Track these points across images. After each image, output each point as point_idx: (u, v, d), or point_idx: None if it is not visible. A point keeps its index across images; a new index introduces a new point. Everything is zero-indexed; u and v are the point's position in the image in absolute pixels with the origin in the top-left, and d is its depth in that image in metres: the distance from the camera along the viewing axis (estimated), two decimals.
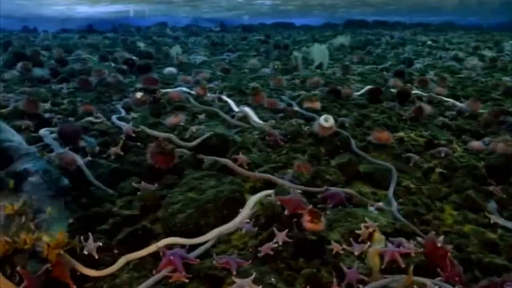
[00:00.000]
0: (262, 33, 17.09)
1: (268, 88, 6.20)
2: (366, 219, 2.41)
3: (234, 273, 2.07)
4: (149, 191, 2.75)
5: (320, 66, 8.44)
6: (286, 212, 2.39)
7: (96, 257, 2.13)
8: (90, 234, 2.22)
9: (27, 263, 1.89)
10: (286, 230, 2.25)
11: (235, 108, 4.75)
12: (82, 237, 2.18)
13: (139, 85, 5.53)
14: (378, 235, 2.33)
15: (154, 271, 2.03)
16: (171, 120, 4.15)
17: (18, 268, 1.83)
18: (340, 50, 11.46)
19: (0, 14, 20.74)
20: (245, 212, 2.51)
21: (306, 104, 4.79)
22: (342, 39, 12.43)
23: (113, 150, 3.24)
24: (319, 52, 8.77)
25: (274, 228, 2.27)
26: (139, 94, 4.97)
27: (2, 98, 4.92)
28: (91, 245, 2.15)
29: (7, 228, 2.01)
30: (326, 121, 3.75)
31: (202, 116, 4.44)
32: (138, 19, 23.90)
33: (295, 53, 9.17)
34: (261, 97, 5.01)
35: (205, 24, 22.99)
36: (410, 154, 3.55)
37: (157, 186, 2.83)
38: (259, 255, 2.15)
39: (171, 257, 2.03)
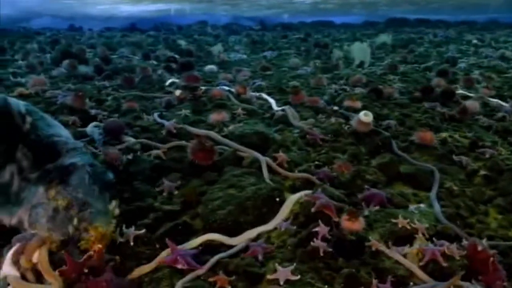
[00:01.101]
0: (302, 31, 16.98)
1: (308, 86, 6.16)
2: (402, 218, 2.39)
3: (260, 258, 2.17)
4: (189, 188, 2.80)
5: (361, 65, 8.33)
6: (312, 209, 2.41)
7: (132, 243, 2.23)
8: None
9: (72, 254, 1.95)
10: (327, 229, 2.25)
11: (275, 107, 4.76)
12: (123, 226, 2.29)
13: (181, 83, 5.60)
14: (420, 236, 2.30)
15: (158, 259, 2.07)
16: (214, 117, 4.20)
17: (63, 251, 1.90)
18: (381, 48, 11.27)
19: (49, 13, 21.48)
20: (284, 212, 2.52)
21: (347, 103, 4.74)
22: (385, 38, 12.21)
23: (155, 152, 3.28)
24: (360, 50, 8.66)
25: (317, 229, 2.28)
26: (178, 92, 5.07)
27: (50, 94, 5.10)
28: (130, 233, 2.26)
29: (54, 220, 2.08)
30: (366, 115, 3.73)
31: (239, 111, 4.45)
32: (179, 18, 24.17)
33: (336, 52, 9.09)
34: (301, 96, 4.99)
35: (245, 23, 23.05)
36: (454, 156, 3.48)
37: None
38: (305, 250, 2.17)
39: (178, 257, 2.06)
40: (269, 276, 2.02)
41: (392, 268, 2.10)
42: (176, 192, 2.80)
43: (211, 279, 1.98)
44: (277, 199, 2.63)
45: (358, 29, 19.19)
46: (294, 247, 2.23)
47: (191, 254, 2.12)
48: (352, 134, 3.81)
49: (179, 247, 2.18)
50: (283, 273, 2.00)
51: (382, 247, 2.20)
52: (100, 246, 1.96)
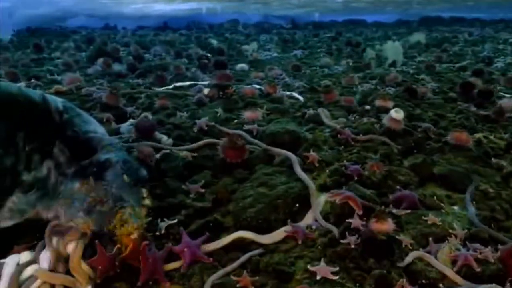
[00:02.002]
0: (333, 30, 16.87)
1: (340, 85, 6.12)
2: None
3: (300, 242, 2.24)
4: (221, 185, 2.82)
5: (393, 64, 8.22)
6: (337, 201, 2.47)
7: (163, 231, 2.31)
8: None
9: (106, 247, 1.99)
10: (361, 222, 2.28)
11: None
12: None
13: (212, 81, 5.64)
14: (453, 239, 2.26)
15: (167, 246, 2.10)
16: (248, 114, 4.21)
17: (96, 241, 1.94)
18: (414, 48, 11.08)
19: (84, 13, 21.94)
20: (315, 211, 2.51)
21: (379, 103, 4.69)
22: (419, 36, 12.00)
23: (185, 153, 3.31)
24: (392, 49, 8.54)
25: (350, 220, 2.31)
26: (206, 90, 5.13)
27: (85, 92, 5.22)
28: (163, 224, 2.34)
29: (89, 214, 2.13)
30: (397, 112, 3.69)
31: (262, 110, 4.46)
32: (210, 16, 24.32)
33: (368, 51, 8.99)
34: (333, 95, 4.96)
35: (276, 21, 23.01)
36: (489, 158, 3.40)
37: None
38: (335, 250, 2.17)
39: (185, 249, 2.09)
40: (310, 267, 2.03)
41: (424, 270, 2.07)
42: (203, 190, 2.81)
43: (234, 278, 1.99)
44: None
45: (391, 28, 18.93)
46: (324, 247, 2.22)
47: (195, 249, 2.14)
48: (384, 134, 3.77)
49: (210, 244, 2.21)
50: (324, 270, 2.00)
51: (420, 253, 2.17)
52: (132, 240, 1.99)
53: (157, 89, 5.70)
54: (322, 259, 2.06)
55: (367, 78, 6.79)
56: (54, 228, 1.90)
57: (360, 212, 2.42)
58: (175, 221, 2.40)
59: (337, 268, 2.03)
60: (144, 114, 4.00)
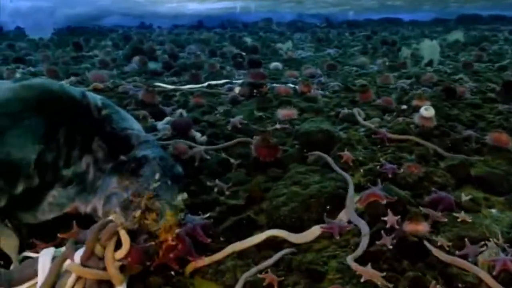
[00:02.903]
0: (369, 28, 16.69)
1: (375, 85, 6.05)
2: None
3: (338, 237, 2.27)
4: (254, 183, 2.84)
5: (430, 63, 8.07)
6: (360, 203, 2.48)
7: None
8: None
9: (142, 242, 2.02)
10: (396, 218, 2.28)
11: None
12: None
13: (245, 80, 5.67)
14: (490, 244, 2.21)
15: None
16: (283, 112, 4.22)
17: (124, 235, 1.97)
18: (452, 47, 10.84)
19: (120, 12, 22.36)
20: (348, 212, 2.50)
21: (415, 102, 4.61)
22: (457, 35, 11.73)
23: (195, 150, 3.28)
24: (429, 48, 8.37)
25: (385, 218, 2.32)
26: (237, 89, 5.16)
27: (122, 89, 5.33)
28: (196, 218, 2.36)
29: (126, 209, 2.18)
30: (427, 110, 3.66)
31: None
32: (244, 15, 24.41)
33: (404, 50, 8.85)
34: (369, 94, 4.91)
35: (310, 20, 22.93)
36: None
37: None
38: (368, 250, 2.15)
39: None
40: (355, 267, 2.00)
41: (460, 274, 2.02)
42: (228, 191, 2.84)
43: (261, 276, 1.99)
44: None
45: (427, 27, 18.59)
46: (357, 247, 2.21)
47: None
48: (420, 134, 3.71)
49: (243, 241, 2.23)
50: (369, 272, 1.98)
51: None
52: (167, 236, 2.02)
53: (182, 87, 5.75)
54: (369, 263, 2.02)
55: (403, 77, 6.69)
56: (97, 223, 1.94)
57: (384, 202, 2.43)
58: (207, 215, 2.43)
59: (384, 274, 1.99)
60: (179, 111, 4.05)
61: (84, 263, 1.83)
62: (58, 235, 2.05)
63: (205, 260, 2.10)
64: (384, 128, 3.84)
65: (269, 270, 2.02)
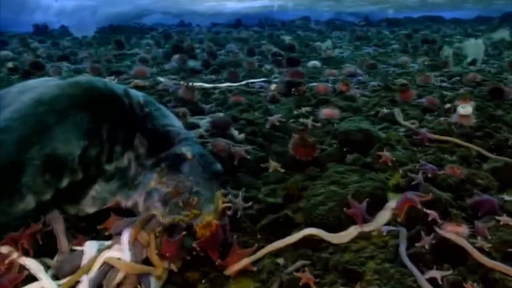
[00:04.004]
0: (409, 27, 16.37)
1: (415, 84, 5.94)
2: None
3: (359, 224, 2.30)
4: (292, 182, 2.84)
5: (473, 62, 7.85)
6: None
7: (241, 214, 2.40)
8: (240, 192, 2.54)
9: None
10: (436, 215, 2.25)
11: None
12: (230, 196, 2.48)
13: (283, 78, 5.67)
14: None
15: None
16: (325, 112, 4.20)
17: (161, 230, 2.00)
18: (495, 46, 10.51)
19: (160, 10, 22.73)
20: (386, 215, 2.46)
21: (458, 102, 4.50)
22: (503, 34, 11.35)
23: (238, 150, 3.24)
24: (473, 47, 8.15)
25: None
26: (273, 86, 5.17)
27: (162, 86, 5.42)
28: (239, 204, 2.44)
29: (166, 205, 2.22)
30: (464, 108, 3.64)
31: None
32: (281, 13, 24.35)
33: (446, 48, 8.65)
34: (410, 94, 4.83)
35: (348, 18, 22.69)
36: None
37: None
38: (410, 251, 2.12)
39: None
40: (430, 272, 1.97)
41: (503, 279, 1.97)
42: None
43: (297, 274, 1.99)
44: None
45: (470, 25, 18.07)
46: (396, 248, 2.18)
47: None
48: (463, 135, 3.63)
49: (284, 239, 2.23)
50: (436, 273, 1.96)
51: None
52: (205, 232, 2.05)
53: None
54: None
55: (445, 77, 6.54)
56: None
57: (418, 206, 2.37)
58: (248, 205, 2.51)
59: (450, 271, 1.97)
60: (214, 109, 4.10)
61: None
62: (98, 227, 2.11)
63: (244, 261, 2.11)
64: (425, 128, 3.77)
65: (306, 269, 2.02)
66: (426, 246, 2.13)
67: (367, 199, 2.47)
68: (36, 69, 6.92)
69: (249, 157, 3.10)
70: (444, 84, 5.80)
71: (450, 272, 1.96)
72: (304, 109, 4.53)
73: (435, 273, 1.95)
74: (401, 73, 6.97)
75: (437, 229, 2.23)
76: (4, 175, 2.05)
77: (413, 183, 2.80)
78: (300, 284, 1.95)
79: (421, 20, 21.07)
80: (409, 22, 20.15)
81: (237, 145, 3.17)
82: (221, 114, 3.85)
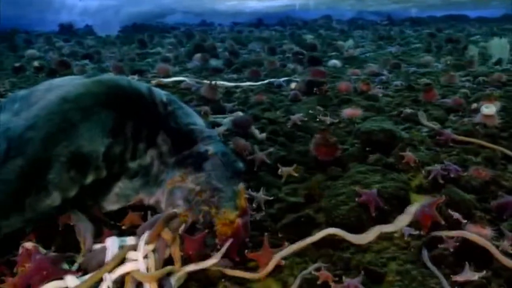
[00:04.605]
0: (432, 26, 16.14)
1: (439, 84, 5.86)
2: None
3: (373, 214, 2.35)
4: (313, 181, 2.83)
5: (499, 62, 7.71)
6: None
7: (263, 208, 2.45)
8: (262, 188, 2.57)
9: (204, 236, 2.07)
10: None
11: None
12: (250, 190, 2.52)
13: (305, 77, 5.66)
14: None
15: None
16: (348, 111, 4.19)
17: (180, 230, 2.02)
18: None
19: (181, 9, 22.89)
20: (407, 217, 2.44)
21: (484, 103, 4.43)
22: None
23: (259, 155, 3.24)
24: (498, 47, 8.00)
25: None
26: (293, 84, 5.17)
27: (185, 85, 5.46)
28: (261, 198, 2.50)
29: (188, 202, 2.24)
30: (487, 108, 3.60)
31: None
32: (303, 12, 24.28)
33: (470, 48, 8.51)
34: (433, 93, 4.77)
35: (370, 17, 22.51)
36: None
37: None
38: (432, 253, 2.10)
39: None
40: (454, 277, 1.95)
41: None
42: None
43: (315, 273, 1.98)
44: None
45: (496, 23, 17.73)
46: (419, 250, 2.16)
47: None
48: (487, 136, 3.57)
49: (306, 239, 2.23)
50: (468, 275, 1.94)
51: None
52: (226, 230, 2.06)
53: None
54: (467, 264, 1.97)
55: (469, 77, 6.44)
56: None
57: (442, 222, 2.29)
58: (268, 198, 2.55)
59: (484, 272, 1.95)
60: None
61: (149, 242, 1.90)
62: (119, 223, 2.15)
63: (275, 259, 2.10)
64: (449, 129, 3.72)
65: (322, 267, 2.02)
66: (451, 249, 2.10)
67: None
68: (62, 67, 7.05)
69: (269, 162, 3.08)
70: (468, 84, 5.70)
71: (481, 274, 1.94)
72: (325, 109, 4.52)
73: (468, 276, 1.93)
74: (424, 73, 6.88)
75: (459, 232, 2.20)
76: (31, 172, 2.09)
77: (430, 176, 2.81)
78: (319, 282, 1.94)
79: (445, 19, 20.78)
80: (433, 21, 19.89)
81: (259, 152, 3.16)
82: (241, 113, 3.85)
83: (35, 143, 2.12)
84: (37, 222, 2.16)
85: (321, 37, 12.64)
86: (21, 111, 2.30)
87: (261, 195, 2.55)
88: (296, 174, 2.97)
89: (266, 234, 2.14)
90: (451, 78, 5.97)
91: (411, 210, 2.46)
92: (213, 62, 7.68)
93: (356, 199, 2.45)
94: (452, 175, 2.83)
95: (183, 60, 8.40)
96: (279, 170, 3.01)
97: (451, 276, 1.95)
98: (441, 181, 2.79)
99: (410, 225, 2.36)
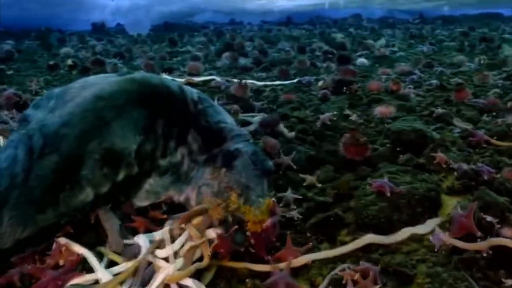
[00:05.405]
0: (465, 24, 15.80)
1: (472, 84, 5.75)
2: None
3: (388, 194, 2.40)
4: (342, 181, 2.82)
5: None
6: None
7: (296, 217, 2.41)
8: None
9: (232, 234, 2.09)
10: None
11: None
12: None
13: (335, 76, 5.63)
14: None
15: None
16: (380, 110, 4.15)
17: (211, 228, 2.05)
18: None
19: (211, 8, 23.05)
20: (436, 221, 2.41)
21: None
22: None
23: (285, 159, 3.16)
24: None
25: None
26: (320, 82, 5.15)
27: (215, 84, 5.50)
28: (289, 197, 2.55)
29: (217, 199, 2.25)
30: None
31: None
32: (332, 11, 24.09)
33: (505, 47, 8.31)
34: (465, 93, 4.68)
35: (401, 16, 22.16)
36: None
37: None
38: (461, 257, 2.06)
39: None
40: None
41: None
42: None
43: (340, 273, 1.97)
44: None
45: None
46: (450, 253, 2.13)
47: None
48: None
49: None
50: None
51: None
52: (256, 228, 2.07)
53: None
54: None
55: (503, 76, 6.29)
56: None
57: (477, 233, 2.24)
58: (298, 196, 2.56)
59: None
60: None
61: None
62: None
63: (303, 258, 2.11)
64: (482, 129, 3.65)
65: (346, 268, 2.01)
66: (484, 252, 2.06)
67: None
68: (96, 66, 7.22)
69: (295, 167, 3.06)
70: (502, 84, 5.57)
71: None
72: (355, 108, 4.49)
73: None
74: (457, 72, 6.75)
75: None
76: (66, 168, 2.14)
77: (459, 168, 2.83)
78: (344, 282, 1.94)
79: (478, 17, 20.28)
80: (466, 19, 19.46)
81: (284, 157, 3.14)
82: (269, 113, 3.85)
83: (70, 140, 2.17)
84: (71, 217, 2.21)
85: (351, 35, 12.52)
86: (56, 108, 2.35)
87: (289, 194, 2.55)
88: (318, 185, 2.89)
89: (288, 232, 2.15)
90: (484, 77, 5.83)
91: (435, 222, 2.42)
92: (242, 61, 7.71)
93: (368, 186, 2.54)
94: (485, 177, 2.77)
95: (212, 58, 8.45)
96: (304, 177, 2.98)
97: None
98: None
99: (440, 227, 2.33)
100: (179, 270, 1.90)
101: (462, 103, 4.60)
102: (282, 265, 2.02)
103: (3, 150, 2.26)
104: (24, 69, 7.88)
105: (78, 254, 2.07)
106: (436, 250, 2.16)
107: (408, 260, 2.10)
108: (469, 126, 3.78)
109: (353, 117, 4.09)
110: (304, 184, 2.87)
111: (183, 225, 2.04)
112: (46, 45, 11.20)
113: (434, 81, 5.67)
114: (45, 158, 2.12)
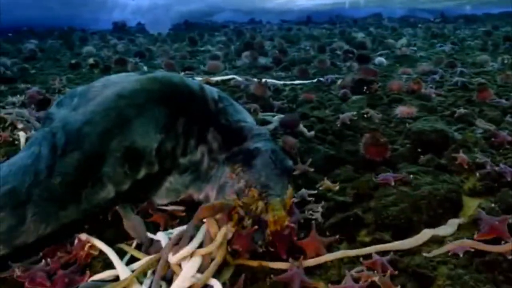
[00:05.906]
0: (488, 23, 15.55)
1: (495, 84, 5.65)
2: None
3: (392, 184, 2.57)
4: (362, 181, 2.80)
5: None
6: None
7: (320, 219, 2.40)
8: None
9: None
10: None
11: None
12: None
13: (355, 76, 5.59)
14: None
15: None
16: (402, 109, 4.12)
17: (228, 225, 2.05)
18: None
19: (230, 7, 23.10)
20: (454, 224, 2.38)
21: None
22: None
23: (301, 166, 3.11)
24: None
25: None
26: (339, 81, 5.20)
27: (234, 83, 5.52)
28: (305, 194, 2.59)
29: (237, 197, 2.26)
30: None
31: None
32: (353, 10, 23.93)
33: None
34: (488, 93, 4.61)
35: (422, 15, 21.88)
36: None
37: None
38: (483, 260, 2.04)
39: None
40: None
41: None
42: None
43: (353, 274, 1.96)
44: None
45: None
46: (472, 255, 2.10)
47: None
48: None
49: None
50: None
51: None
52: (275, 228, 2.07)
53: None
54: None
55: None
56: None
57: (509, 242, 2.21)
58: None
59: None
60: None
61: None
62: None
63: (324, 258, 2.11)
64: (505, 130, 3.59)
65: (364, 268, 2.00)
66: (509, 255, 2.03)
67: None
68: (119, 65, 7.32)
69: (312, 169, 3.05)
70: None
71: None
72: (375, 108, 4.46)
73: None
74: (479, 72, 6.65)
75: None
76: (88, 165, 2.18)
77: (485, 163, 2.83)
78: (361, 283, 1.93)
79: (501, 16, 19.91)
80: (489, 18, 19.14)
81: (300, 164, 3.09)
82: (288, 112, 3.85)
83: (92, 137, 2.21)
84: (92, 214, 2.24)
85: (371, 35, 12.42)
86: (79, 106, 2.39)
87: (304, 190, 2.60)
88: (335, 189, 2.82)
89: (313, 222, 2.15)
90: (507, 77, 5.73)
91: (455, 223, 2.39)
92: (262, 60, 7.71)
93: (374, 179, 2.71)
94: (508, 178, 2.73)
95: (232, 58, 8.47)
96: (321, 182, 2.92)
97: None
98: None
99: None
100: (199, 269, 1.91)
101: (485, 103, 4.53)
102: (297, 263, 2.02)
103: (27, 147, 2.31)
104: (47, 67, 8.02)
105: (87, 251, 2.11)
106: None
107: (429, 262, 2.08)
108: (491, 127, 3.72)
109: (373, 116, 4.05)
110: (321, 188, 2.83)
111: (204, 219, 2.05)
112: (69, 44, 11.36)
113: (456, 81, 5.59)
114: (67, 155, 2.16)
